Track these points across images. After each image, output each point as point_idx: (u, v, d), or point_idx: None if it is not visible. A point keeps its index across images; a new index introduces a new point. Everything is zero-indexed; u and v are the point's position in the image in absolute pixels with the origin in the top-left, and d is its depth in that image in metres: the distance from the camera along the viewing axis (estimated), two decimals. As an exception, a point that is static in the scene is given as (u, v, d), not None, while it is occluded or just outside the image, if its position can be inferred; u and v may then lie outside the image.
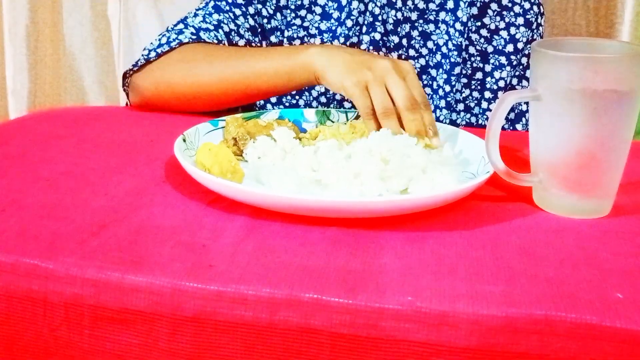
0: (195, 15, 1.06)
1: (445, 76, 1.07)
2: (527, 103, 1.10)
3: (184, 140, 0.79)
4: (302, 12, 1.10)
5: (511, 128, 1.12)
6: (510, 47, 1.08)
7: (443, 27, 1.07)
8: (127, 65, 1.11)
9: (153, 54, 1.02)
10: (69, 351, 0.59)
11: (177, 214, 0.68)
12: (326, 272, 0.58)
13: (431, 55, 1.08)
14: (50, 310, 0.58)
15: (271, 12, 1.09)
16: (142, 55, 1.04)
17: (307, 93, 1.11)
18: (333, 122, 0.93)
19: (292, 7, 1.10)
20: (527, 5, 1.08)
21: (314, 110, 0.93)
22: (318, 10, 1.09)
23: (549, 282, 0.58)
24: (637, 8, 1.56)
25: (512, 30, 1.08)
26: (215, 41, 1.03)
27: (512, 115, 1.13)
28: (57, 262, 0.59)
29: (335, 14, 1.08)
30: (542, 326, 0.53)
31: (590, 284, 0.57)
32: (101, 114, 1.05)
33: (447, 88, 1.08)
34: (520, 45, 1.07)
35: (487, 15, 1.07)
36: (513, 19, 1.07)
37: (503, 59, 1.08)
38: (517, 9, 1.08)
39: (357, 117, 0.92)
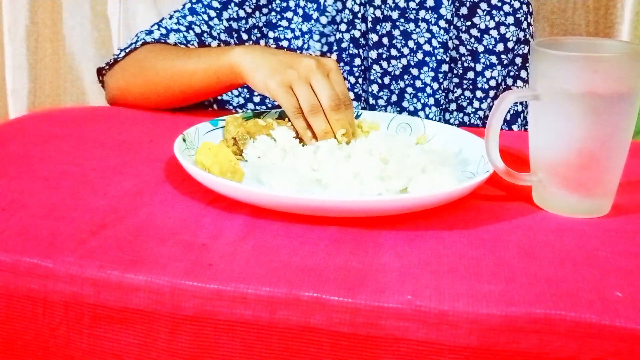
0: (171, 17, 1.10)
1: (432, 74, 1.07)
2: (522, 103, 1.10)
3: (184, 140, 0.79)
4: (289, 14, 1.11)
5: (507, 129, 1.13)
6: (500, 47, 1.08)
7: (423, 25, 1.07)
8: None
9: (122, 54, 1.06)
10: (69, 350, 0.59)
11: (177, 213, 0.69)
12: (326, 271, 0.58)
13: (412, 54, 1.08)
14: (50, 309, 0.58)
15: (249, 10, 1.09)
16: (114, 54, 1.08)
17: None
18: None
19: (278, 9, 1.10)
20: (516, 5, 1.09)
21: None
22: (300, 12, 1.10)
23: (548, 281, 0.58)
24: (636, 8, 1.56)
25: (502, 29, 1.08)
26: (184, 42, 1.05)
27: (507, 116, 1.13)
28: (57, 261, 0.59)
29: (315, 15, 1.08)
30: (542, 325, 0.53)
31: (589, 283, 0.57)
32: (101, 114, 1.05)
33: (435, 86, 1.08)
34: (510, 45, 1.08)
35: (477, 14, 1.08)
36: (503, 18, 1.08)
37: (494, 58, 1.09)
38: (506, 8, 1.08)
39: (357, 117, 0.92)
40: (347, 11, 1.07)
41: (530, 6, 1.10)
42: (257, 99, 1.12)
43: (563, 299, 0.55)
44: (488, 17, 1.07)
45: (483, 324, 0.53)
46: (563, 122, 0.69)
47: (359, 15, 1.07)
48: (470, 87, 1.09)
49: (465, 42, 1.07)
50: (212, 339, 0.56)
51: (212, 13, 1.08)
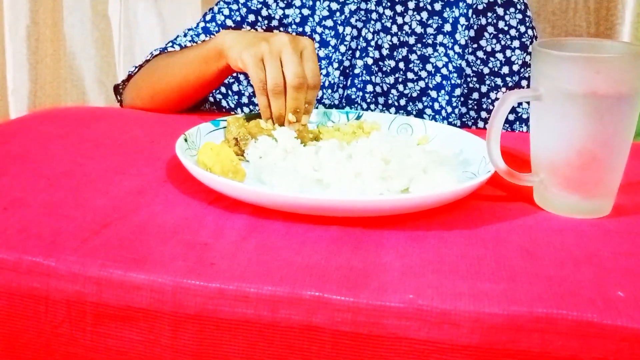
0: (185, 35, 1.12)
1: (447, 97, 1.09)
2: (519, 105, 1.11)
3: (186, 140, 0.80)
4: None
5: (510, 129, 1.13)
6: (505, 69, 1.10)
7: (441, 49, 1.09)
8: (127, 65, 1.14)
9: (135, 69, 1.10)
10: (71, 349, 0.59)
11: (179, 212, 0.69)
12: (328, 270, 0.58)
13: (430, 77, 1.10)
14: (52, 308, 0.58)
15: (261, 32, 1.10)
16: (129, 71, 1.11)
17: None
18: (334, 122, 0.93)
19: (293, 33, 1.11)
20: (522, 29, 1.10)
21: (315, 111, 0.93)
22: (317, 37, 1.11)
23: (550, 280, 0.58)
24: (637, 9, 1.56)
25: (508, 52, 1.10)
26: None
27: (511, 117, 1.13)
28: (59, 260, 0.59)
29: (333, 42, 1.10)
30: (544, 324, 0.53)
31: (591, 282, 0.58)
32: (103, 114, 1.05)
33: (449, 109, 1.10)
34: (515, 68, 1.09)
35: (484, 37, 1.09)
36: (509, 42, 1.09)
37: (499, 81, 1.10)
38: (512, 32, 1.10)
39: (358, 118, 0.93)
40: (361, 39, 1.09)
41: (534, 30, 1.12)
42: (245, 100, 1.13)
43: (565, 299, 0.55)
44: (494, 41, 1.09)
45: (485, 323, 0.54)
46: (564, 123, 0.69)
47: (372, 43, 1.09)
48: (475, 107, 1.11)
49: (472, 64, 1.09)
50: (214, 337, 0.56)
51: None
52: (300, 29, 1.11)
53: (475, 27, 1.08)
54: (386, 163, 0.74)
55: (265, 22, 1.11)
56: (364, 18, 1.09)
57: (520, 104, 1.10)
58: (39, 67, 1.88)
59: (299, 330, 0.55)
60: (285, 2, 1.11)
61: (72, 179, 0.76)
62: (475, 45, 1.09)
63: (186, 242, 0.62)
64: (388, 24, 1.08)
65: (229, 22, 1.10)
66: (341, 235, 0.65)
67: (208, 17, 1.12)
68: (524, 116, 1.11)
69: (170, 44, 1.10)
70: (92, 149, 0.86)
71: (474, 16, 1.08)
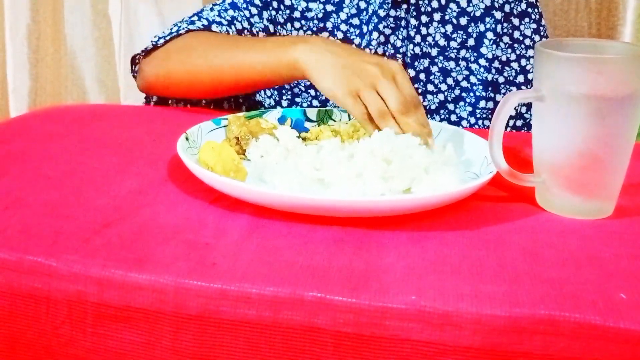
0: (212, 9, 1.07)
1: (470, 109, 1.09)
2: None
3: (187, 139, 0.79)
4: (325, 34, 1.11)
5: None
6: (520, 78, 1.10)
7: (463, 63, 1.09)
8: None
9: (161, 40, 1.03)
10: (72, 349, 0.59)
11: (180, 212, 0.68)
12: (330, 271, 0.58)
13: (450, 90, 1.10)
14: (53, 308, 0.58)
15: (282, 20, 1.09)
16: (152, 41, 1.05)
17: (305, 94, 1.11)
18: (335, 121, 0.93)
19: (314, 28, 1.10)
20: (537, 39, 1.11)
21: (317, 110, 0.93)
22: (339, 35, 1.10)
23: (552, 282, 0.58)
24: (638, 10, 1.56)
25: (523, 61, 1.10)
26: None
27: (519, 123, 1.14)
28: (61, 260, 0.59)
29: (357, 40, 1.09)
30: (546, 326, 0.53)
31: (593, 284, 0.57)
32: (103, 113, 1.05)
33: (472, 120, 1.10)
34: (530, 77, 1.10)
35: (499, 47, 1.09)
36: (524, 51, 1.10)
37: (514, 89, 1.10)
38: (527, 41, 1.10)
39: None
40: (389, 46, 1.08)
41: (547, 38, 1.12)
42: (285, 103, 1.12)
43: (567, 300, 0.55)
44: (509, 50, 1.10)
45: (487, 325, 0.53)
46: (567, 124, 0.69)
47: (401, 50, 1.08)
48: (490, 116, 1.10)
49: None
50: (215, 338, 0.56)
51: (254, 10, 1.07)
52: (321, 25, 1.10)
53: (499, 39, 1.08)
54: (388, 163, 0.74)
55: (287, 11, 1.09)
56: (392, 25, 1.08)
57: (528, 110, 1.10)
58: (40, 66, 1.88)
59: (300, 331, 0.55)
60: None
61: (73, 179, 0.76)
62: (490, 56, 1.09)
63: (187, 242, 0.62)
64: (412, 33, 1.08)
65: (257, 1, 1.07)
66: (343, 236, 0.65)
67: None
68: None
69: (197, 18, 1.05)
70: (92, 148, 0.85)
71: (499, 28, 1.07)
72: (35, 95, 1.90)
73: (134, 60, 1.08)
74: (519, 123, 1.12)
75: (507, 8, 1.08)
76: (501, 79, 1.10)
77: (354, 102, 0.83)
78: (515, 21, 1.09)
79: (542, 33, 1.11)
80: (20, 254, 0.59)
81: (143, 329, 0.57)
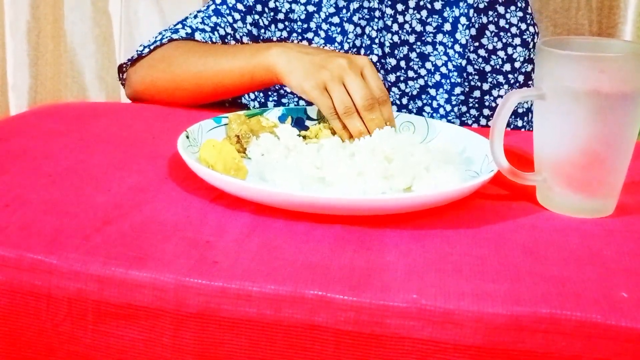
0: (195, 16, 1.10)
1: (446, 96, 1.09)
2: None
3: (187, 137, 0.79)
4: (309, 35, 1.11)
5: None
6: (507, 67, 1.10)
7: (441, 48, 1.09)
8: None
9: (146, 50, 1.07)
10: (72, 346, 0.59)
11: (181, 210, 0.68)
12: (330, 269, 0.58)
13: (430, 75, 1.10)
14: (53, 306, 0.58)
15: (266, 23, 1.10)
16: (137, 50, 1.08)
17: (290, 94, 1.11)
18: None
19: (299, 30, 1.11)
20: (523, 27, 1.10)
21: (317, 108, 0.92)
22: (322, 34, 1.11)
23: (553, 280, 0.57)
24: (639, 8, 1.56)
25: (510, 50, 1.10)
26: (210, 42, 1.06)
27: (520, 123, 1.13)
28: (61, 258, 0.59)
29: (339, 38, 1.10)
30: (547, 324, 0.53)
31: (594, 282, 0.57)
32: (103, 110, 1.05)
33: (448, 107, 1.10)
34: (517, 65, 1.10)
35: (485, 36, 1.09)
36: (510, 40, 1.10)
37: (501, 78, 1.10)
38: (514, 30, 1.10)
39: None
40: (365, 37, 1.09)
41: (536, 27, 1.12)
42: (271, 105, 1.13)
43: (568, 299, 0.55)
44: (496, 39, 1.09)
45: (488, 323, 0.53)
46: (568, 122, 0.68)
47: (376, 41, 1.09)
48: (477, 105, 1.11)
49: (473, 62, 1.09)
50: (216, 336, 0.56)
51: (237, 16, 1.09)
52: (305, 26, 1.11)
53: (476, 25, 1.08)
54: (389, 161, 0.74)
55: (272, 14, 1.10)
56: (367, 16, 1.08)
57: (530, 109, 1.10)
58: (40, 63, 1.88)
59: (301, 329, 0.55)
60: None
61: (73, 176, 0.76)
62: (476, 44, 1.09)
63: (188, 240, 0.62)
64: (389, 23, 1.08)
65: (240, 7, 1.09)
66: (344, 234, 0.64)
67: (218, 0, 1.10)
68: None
69: (181, 26, 1.07)
70: (93, 146, 0.85)
71: (475, 15, 1.08)
72: (35, 93, 1.89)
73: (121, 69, 1.11)
74: (520, 123, 1.12)
75: None
76: (488, 68, 1.10)
77: (320, 94, 0.84)
78: (501, 9, 1.09)
79: (528, 21, 1.10)
80: (20, 251, 0.59)
81: (144, 326, 0.57)
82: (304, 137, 0.86)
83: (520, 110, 1.13)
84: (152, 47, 1.06)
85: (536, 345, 0.53)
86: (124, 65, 1.11)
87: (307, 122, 0.91)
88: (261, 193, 0.67)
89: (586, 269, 0.60)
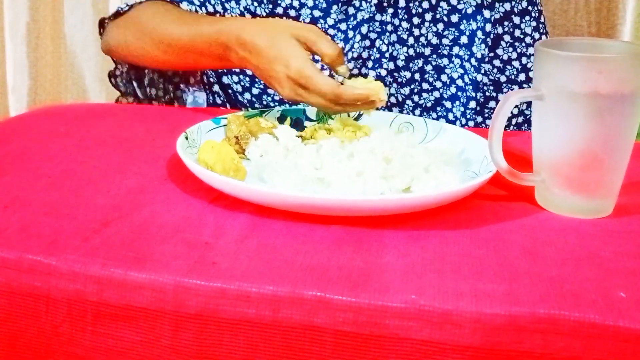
0: None
1: (462, 109, 1.09)
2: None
3: (186, 138, 0.79)
4: None
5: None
6: (522, 76, 1.10)
7: (457, 61, 1.08)
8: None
9: (126, 7, 1.07)
10: (72, 348, 0.59)
11: (180, 211, 0.68)
12: (329, 270, 0.58)
13: (445, 88, 1.09)
14: (52, 307, 0.58)
15: (264, 14, 1.08)
16: (119, 7, 1.08)
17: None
18: (333, 119, 0.92)
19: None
20: (537, 36, 1.10)
21: (316, 109, 0.93)
22: None
23: (551, 281, 0.58)
24: (638, 9, 1.56)
25: (524, 60, 1.10)
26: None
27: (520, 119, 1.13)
28: (60, 259, 0.59)
29: (341, 45, 1.08)
30: (545, 325, 0.53)
31: (593, 283, 0.57)
32: (103, 112, 1.05)
33: (463, 120, 1.10)
34: (532, 74, 1.09)
35: (500, 46, 1.09)
36: (525, 49, 1.10)
37: (516, 88, 1.10)
38: (528, 39, 1.10)
39: (357, 118, 0.92)
40: (374, 50, 1.07)
41: (547, 35, 1.12)
42: (255, 91, 1.11)
43: (566, 299, 0.55)
44: (511, 49, 1.09)
45: (486, 324, 0.53)
46: (566, 123, 0.69)
47: (387, 55, 1.08)
48: (492, 116, 1.10)
49: (488, 73, 1.08)
50: (215, 337, 0.56)
51: None
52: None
53: (491, 35, 1.08)
54: (388, 162, 0.74)
55: (270, 6, 1.07)
56: (378, 29, 1.07)
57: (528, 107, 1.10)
58: (39, 65, 1.88)
59: (300, 330, 0.55)
60: (299, 1, 1.08)
61: (73, 178, 0.76)
62: (491, 54, 1.08)
63: (187, 241, 0.62)
64: (404, 36, 1.07)
65: None
66: (342, 235, 0.65)
67: None
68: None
69: None
70: (92, 147, 0.85)
71: (492, 28, 1.07)
72: (35, 95, 1.90)
73: (102, 24, 1.12)
74: (520, 120, 1.12)
75: (507, 6, 1.08)
76: (503, 78, 1.10)
77: (288, 96, 0.85)
78: (516, 19, 1.09)
79: (541, 30, 1.11)
80: (20, 252, 0.59)
81: (143, 328, 0.57)
82: (301, 137, 0.86)
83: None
84: (131, 3, 1.06)
85: (534, 346, 0.53)
86: (105, 21, 1.11)
87: (306, 123, 0.91)
88: (260, 194, 0.67)
89: (584, 270, 0.60)
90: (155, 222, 0.66)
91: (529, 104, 1.08)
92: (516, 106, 1.10)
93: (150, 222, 0.66)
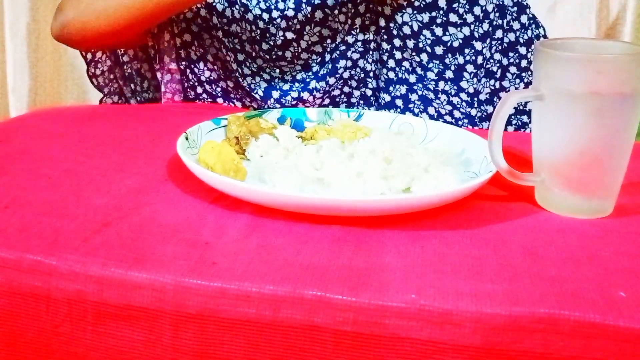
0: None
1: None
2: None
3: (187, 139, 0.79)
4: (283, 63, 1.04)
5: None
6: (531, 105, 1.08)
7: (444, 97, 1.02)
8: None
9: None
10: (72, 348, 0.59)
11: (180, 211, 0.69)
12: (329, 270, 0.58)
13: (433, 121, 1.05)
14: (53, 307, 0.58)
15: (238, 16, 1.02)
16: None
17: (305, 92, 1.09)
18: (334, 121, 0.93)
19: (275, 48, 1.03)
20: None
21: (317, 110, 0.93)
22: (301, 62, 1.04)
23: (551, 281, 0.58)
24: (638, 9, 1.56)
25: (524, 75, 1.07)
26: None
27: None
28: (61, 259, 0.59)
29: (315, 68, 1.03)
30: (546, 325, 0.53)
31: (593, 282, 0.58)
32: (103, 112, 1.05)
33: None
34: None
35: (506, 78, 1.06)
36: (531, 78, 1.06)
37: (525, 118, 1.08)
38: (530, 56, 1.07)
39: (359, 117, 0.92)
40: (358, 69, 1.03)
41: None
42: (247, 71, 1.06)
43: (567, 299, 0.55)
44: (517, 80, 1.06)
45: (487, 324, 0.53)
46: (566, 123, 0.69)
47: (371, 74, 1.04)
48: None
49: (495, 105, 1.05)
50: (215, 337, 0.56)
51: None
52: (280, 53, 1.02)
53: (497, 64, 1.04)
54: (388, 162, 0.74)
55: (242, 9, 1.01)
56: (361, 49, 1.02)
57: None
58: (40, 65, 1.88)
59: (300, 330, 0.55)
60: (269, 15, 1.00)
61: (73, 178, 0.76)
62: (497, 86, 1.05)
63: (187, 241, 0.62)
64: (385, 57, 1.02)
65: None
66: (342, 235, 0.65)
67: None
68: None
69: None
70: (92, 148, 0.86)
71: (491, 61, 1.03)
72: (35, 95, 1.90)
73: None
74: (524, 119, 1.11)
75: (511, 37, 1.04)
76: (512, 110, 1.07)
77: None
78: (522, 50, 1.05)
79: None
80: (20, 252, 0.59)
81: (143, 327, 0.57)
82: (301, 138, 0.86)
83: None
84: None
85: (534, 346, 0.53)
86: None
87: (306, 124, 0.91)
88: (260, 194, 0.67)
89: (584, 269, 0.60)
90: (155, 222, 0.66)
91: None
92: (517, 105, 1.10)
93: (150, 222, 0.66)
